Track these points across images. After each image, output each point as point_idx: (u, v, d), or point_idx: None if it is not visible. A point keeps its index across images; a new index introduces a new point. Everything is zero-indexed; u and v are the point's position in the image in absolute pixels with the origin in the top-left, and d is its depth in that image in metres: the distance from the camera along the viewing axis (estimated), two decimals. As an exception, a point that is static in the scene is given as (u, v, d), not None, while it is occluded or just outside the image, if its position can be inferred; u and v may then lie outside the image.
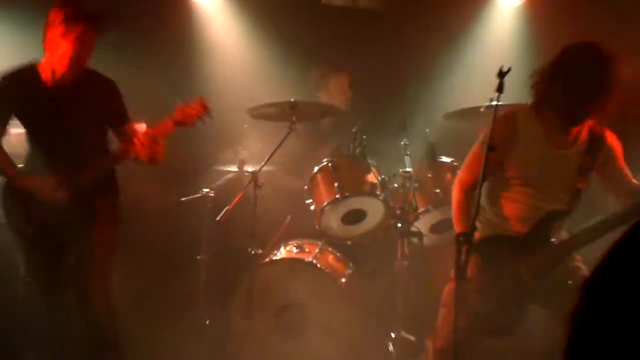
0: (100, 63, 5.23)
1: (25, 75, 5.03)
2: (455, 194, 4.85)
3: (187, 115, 5.02)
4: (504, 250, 4.70)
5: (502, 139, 4.53)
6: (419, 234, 5.87)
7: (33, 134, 5.18)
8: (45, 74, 4.96)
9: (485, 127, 4.57)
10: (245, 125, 6.66)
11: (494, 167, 4.58)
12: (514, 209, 4.75)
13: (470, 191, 4.67)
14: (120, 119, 5.23)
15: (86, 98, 5.06)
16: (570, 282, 4.58)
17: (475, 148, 4.72)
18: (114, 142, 5.35)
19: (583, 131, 4.64)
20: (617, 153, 4.71)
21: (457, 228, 4.75)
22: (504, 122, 4.63)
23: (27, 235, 5.14)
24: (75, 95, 5.04)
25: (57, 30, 4.82)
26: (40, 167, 5.15)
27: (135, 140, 5.02)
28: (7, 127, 5.15)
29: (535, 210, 4.67)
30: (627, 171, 4.71)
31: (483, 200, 4.81)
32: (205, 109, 5.10)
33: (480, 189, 4.26)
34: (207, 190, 6.32)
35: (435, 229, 6.04)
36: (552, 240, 4.69)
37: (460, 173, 4.91)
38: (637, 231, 0.96)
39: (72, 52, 4.83)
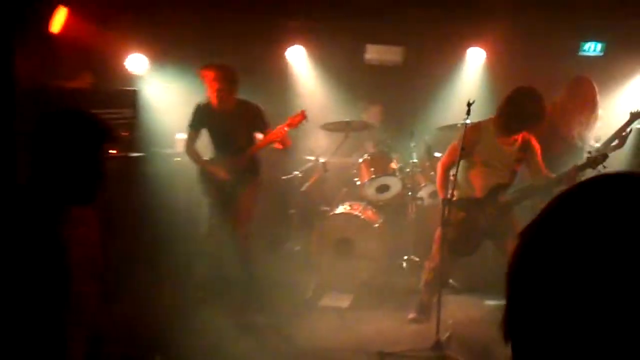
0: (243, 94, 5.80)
1: (205, 104, 5.70)
2: (438, 171, 5.50)
3: (295, 120, 5.78)
4: (471, 206, 5.38)
5: (470, 139, 5.18)
6: (421, 199, 6.69)
7: (211, 139, 5.82)
8: (213, 104, 5.65)
9: (460, 134, 5.11)
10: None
11: (464, 157, 5.17)
12: (476, 182, 5.43)
13: (447, 170, 5.36)
14: (264, 126, 5.79)
15: (239, 116, 5.66)
16: (509, 232, 5.07)
17: (453, 144, 5.34)
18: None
19: (519, 137, 5.27)
20: (537, 151, 5.30)
21: (439, 194, 5.45)
22: (472, 128, 5.21)
23: (210, 197, 5.84)
24: (231, 115, 5.64)
25: (203, 81, 5.66)
26: (216, 159, 5.84)
27: (277, 133, 5.67)
28: (199, 135, 5.78)
29: (489, 183, 5.37)
30: (541, 163, 5.28)
31: (459, 177, 5.26)
32: (304, 117, 5.83)
33: (456, 171, 5.03)
34: (297, 172, 6.86)
35: (431, 195, 6.71)
36: (499, 200, 5.33)
37: (442, 158, 5.54)
38: (572, 194, 0.78)
39: (211, 91, 5.61)
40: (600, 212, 0.74)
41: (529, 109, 5.04)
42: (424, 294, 5.83)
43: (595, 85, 5.89)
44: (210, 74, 5.54)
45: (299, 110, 5.84)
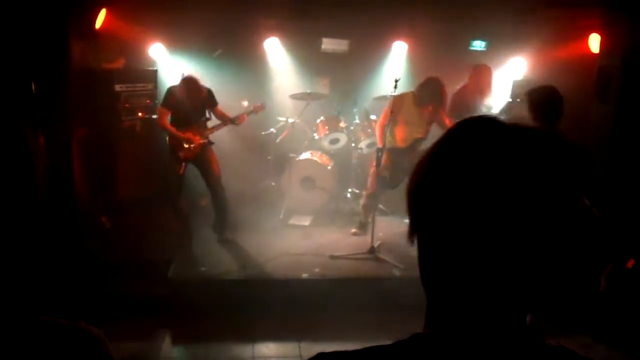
0: (211, 77, 5.62)
1: (178, 88, 5.21)
2: (377, 128, 5.51)
3: (257, 109, 5.67)
4: (396, 153, 5.43)
5: (397, 105, 5.29)
6: (361, 149, 6.57)
7: (177, 115, 5.21)
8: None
9: (389, 102, 5.27)
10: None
11: (393, 116, 5.28)
12: (399, 135, 5.49)
13: (383, 127, 5.33)
14: (215, 105, 5.37)
15: (203, 99, 5.24)
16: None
17: (385, 109, 5.35)
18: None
19: (430, 105, 5.32)
20: (442, 114, 5.36)
21: (379, 143, 5.40)
22: (397, 98, 5.31)
23: (180, 156, 5.22)
24: (197, 98, 5.19)
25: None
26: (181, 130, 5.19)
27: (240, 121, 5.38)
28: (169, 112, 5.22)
29: (410, 136, 5.46)
30: (447, 122, 5.24)
31: (387, 132, 5.39)
32: (264, 107, 5.72)
33: (387, 127, 5.23)
34: (273, 129, 6.65)
35: (369, 146, 6.45)
36: (418, 149, 5.44)
37: (379, 119, 5.56)
38: (447, 135, 0.79)
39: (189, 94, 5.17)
40: (468, 145, 0.76)
41: (435, 92, 5.26)
42: (362, 214, 5.88)
43: (491, 70, 5.95)
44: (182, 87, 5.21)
45: (260, 103, 5.78)
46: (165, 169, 5.52)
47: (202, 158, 5.32)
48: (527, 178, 0.72)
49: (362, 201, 5.93)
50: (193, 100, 5.16)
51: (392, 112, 5.20)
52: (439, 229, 0.76)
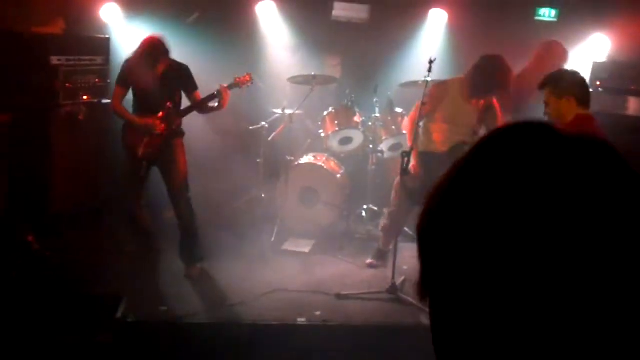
0: (183, 50, 5.61)
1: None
2: (407, 124, 5.54)
3: (241, 81, 5.50)
4: (433, 159, 5.35)
5: (434, 95, 5.29)
6: (381, 151, 6.61)
7: (139, 96, 5.27)
8: None
9: (426, 91, 5.19)
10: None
11: (428, 110, 5.30)
12: (437, 136, 5.46)
13: (414, 122, 5.27)
14: (193, 88, 5.37)
15: (171, 76, 5.26)
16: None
17: (419, 101, 5.22)
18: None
19: (483, 100, 5.34)
20: (498, 116, 5.38)
21: (408, 143, 5.33)
22: (438, 86, 5.34)
23: (137, 153, 5.22)
24: (163, 75, 5.22)
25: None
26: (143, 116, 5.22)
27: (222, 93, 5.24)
28: (127, 92, 5.28)
29: (450, 139, 5.38)
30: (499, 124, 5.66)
31: (420, 132, 5.41)
32: (250, 79, 5.57)
33: (417, 125, 5.17)
34: (264, 123, 6.73)
35: (391, 148, 6.64)
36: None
37: (410, 113, 5.56)
38: (474, 152, 0.74)
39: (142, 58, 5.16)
40: (506, 166, 0.71)
41: (497, 77, 5.12)
42: (381, 240, 5.93)
43: (566, 50, 5.94)
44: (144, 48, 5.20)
45: (244, 73, 5.61)
46: (120, 170, 5.54)
47: (166, 156, 5.34)
48: (600, 225, 0.66)
49: (382, 222, 5.94)
50: (159, 76, 5.18)
51: (424, 103, 5.17)
52: (461, 289, 0.71)
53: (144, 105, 5.25)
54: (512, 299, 0.67)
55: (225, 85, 5.37)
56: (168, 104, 5.26)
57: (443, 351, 0.76)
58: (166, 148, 5.31)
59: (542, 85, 4.18)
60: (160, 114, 5.24)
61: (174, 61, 5.26)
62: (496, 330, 0.68)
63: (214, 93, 5.31)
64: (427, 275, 0.77)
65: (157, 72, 5.16)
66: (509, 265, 0.67)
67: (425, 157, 5.47)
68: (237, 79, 5.55)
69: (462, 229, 0.71)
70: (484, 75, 5.16)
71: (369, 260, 5.93)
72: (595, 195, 0.67)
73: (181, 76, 5.32)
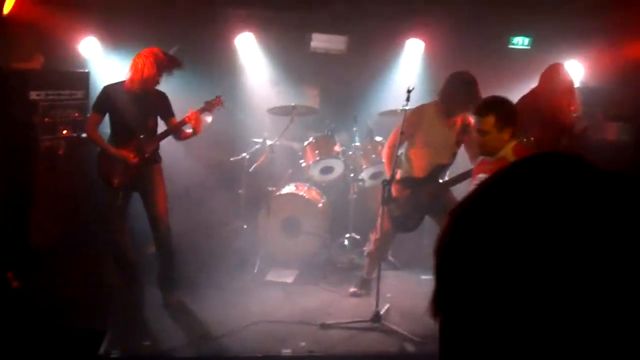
0: (171, 79, 5.47)
1: (116, 87, 5.22)
2: (385, 151, 5.52)
3: (211, 106, 5.52)
4: (413, 185, 5.39)
5: (412, 122, 5.29)
6: (362, 180, 6.69)
7: (116, 123, 5.30)
8: (127, 88, 5.17)
9: (404, 118, 5.20)
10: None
11: (406, 138, 5.30)
12: (417, 162, 5.45)
13: (393, 149, 5.26)
14: (170, 114, 5.39)
15: (151, 102, 5.30)
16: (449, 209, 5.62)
17: (396, 127, 5.34)
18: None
19: (459, 120, 5.34)
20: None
21: (387, 172, 5.38)
22: (414, 112, 5.33)
23: (114, 182, 5.26)
24: (144, 100, 5.23)
25: (139, 61, 5.18)
26: (119, 144, 5.27)
27: (188, 119, 5.26)
28: (102, 119, 5.30)
29: (430, 163, 5.38)
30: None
31: (402, 157, 5.45)
32: (220, 102, 5.57)
33: (396, 152, 5.12)
34: (245, 154, 6.73)
35: (372, 177, 6.71)
36: (439, 180, 5.40)
37: (388, 140, 5.57)
38: (503, 174, 0.74)
39: (141, 74, 5.14)
40: (528, 193, 0.71)
41: (470, 90, 5.13)
42: (365, 267, 5.90)
43: (567, 70, 5.79)
44: (152, 57, 5.20)
45: (214, 97, 5.62)
46: (99, 203, 5.52)
47: (144, 182, 5.34)
48: (627, 260, 0.65)
49: (367, 249, 5.92)
50: (137, 100, 5.17)
51: (402, 132, 5.21)
52: (479, 314, 0.71)
53: (119, 132, 5.26)
54: (530, 325, 0.67)
55: (196, 109, 5.38)
56: (143, 130, 5.27)
57: None
58: (143, 175, 5.32)
59: (485, 112, 4.01)
60: (134, 142, 5.25)
61: (153, 88, 5.26)
62: (510, 354, 0.68)
63: (183, 119, 5.33)
64: (442, 294, 0.76)
65: (141, 93, 5.15)
66: (527, 291, 0.66)
67: (407, 183, 5.49)
68: (207, 103, 5.57)
69: (482, 252, 0.70)
70: (456, 90, 5.20)
71: (352, 289, 5.90)
72: (620, 229, 0.67)
73: (159, 102, 5.34)
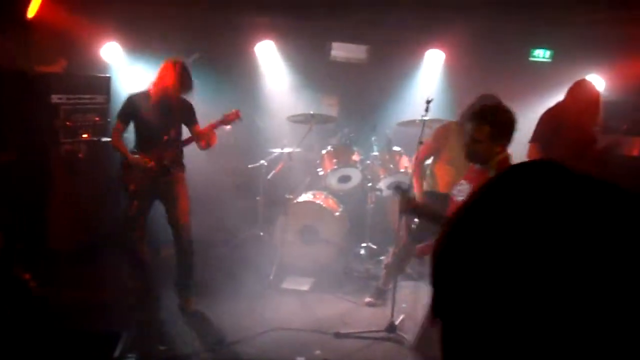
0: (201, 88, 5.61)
1: (141, 96, 5.25)
2: (414, 161, 5.55)
3: (229, 118, 5.51)
4: (435, 199, 5.34)
5: (439, 137, 5.39)
6: (380, 190, 6.70)
7: (141, 131, 5.32)
8: (152, 96, 5.21)
9: (433, 133, 5.34)
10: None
11: (432, 152, 5.41)
12: (441, 178, 5.50)
13: (420, 162, 5.43)
14: (195, 122, 5.42)
15: (176, 110, 5.31)
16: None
17: (425, 141, 5.38)
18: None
19: None
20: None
21: (415, 186, 5.42)
22: (443, 128, 5.44)
23: (136, 189, 5.27)
24: (168, 109, 5.24)
25: (167, 71, 5.21)
26: (143, 151, 5.29)
27: (200, 132, 5.33)
28: (127, 127, 5.32)
29: (453, 181, 5.09)
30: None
31: (428, 171, 5.54)
32: (238, 116, 5.56)
33: (423, 165, 5.33)
34: (263, 161, 6.79)
35: (389, 187, 6.66)
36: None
37: (417, 152, 5.47)
38: (494, 182, 0.75)
39: (166, 84, 5.16)
40: (519, 200, 0.73)
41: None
42: (382, 278, 5.88)
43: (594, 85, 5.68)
44: (177, 68, 5.22)
45: (232, 109, 5.60)
46: (119, 207, 5.54)
47: (165, 190, 5.35)
48: (613, 262, 0.67)
49: (386, 259, 5.91)
50: (162, 111, 5.19)
51: (421, 142, 5.28)
52: (475, 318, 0.73)
53: (142, 139, 5.29)
54: (523, 329, 0.68)
55: (214, 121, 5.43)
56: (164, 137, 5.28)
57: None
58: (163, 183, 5.33)
59: (482, 121, 3.90)
60: (155, 150, 5.27)
61: (179, 96, 5.29)
62: (507, 356, 0.69)
63: (202, 129, 5.38)
64: (440, 300, 0.78)
65: (164, 102, 5.17)
66: (520, 296, 0.68)
67: (430, 197, 5.50)
68: (225, 116, 5.57)
69: (477, 260, 0.72)
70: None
71: (368, 299, 5.88)
72: (604, 235, 0.68)
73: (184, 111, 5.36)
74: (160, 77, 5.20)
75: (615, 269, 0.67)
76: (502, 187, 0.76)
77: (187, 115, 5.41)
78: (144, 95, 5.25)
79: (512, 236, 0.70)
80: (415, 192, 5.46)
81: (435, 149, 5.39)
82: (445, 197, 5.12)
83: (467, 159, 4.14)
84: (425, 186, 5.51)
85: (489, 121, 3.89)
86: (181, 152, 5.46)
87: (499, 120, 3.90)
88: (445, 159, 5.48)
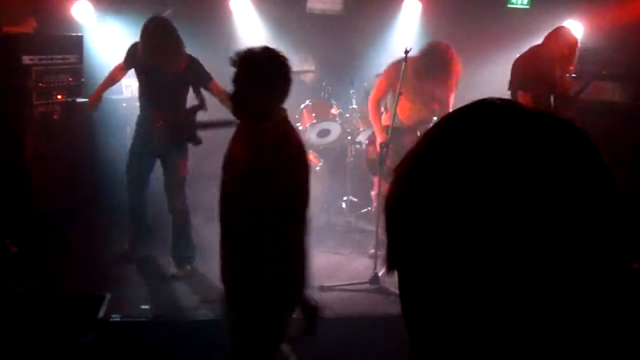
0: None
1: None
2: (369, 104, 5.64)
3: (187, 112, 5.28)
4: (400, 134, 5.43)
5: (390, 75, 5.42)
6: (359, 143, 6.65)
7: (145, 87, 5.27)
8: None
9: (385, 70, 5.42)
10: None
11: (387, 90, 5.51)
12: (402, 114, 5.52)
13: (376, 103, 5.53)
14: (208, 79, 5.19)
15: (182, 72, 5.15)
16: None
17: (379, 80, 5.56)
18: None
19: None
20: (449, 92, 5.41)
21: (374, 125, 5.57)
22: (393, 65, 5.43)
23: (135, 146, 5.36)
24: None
25: None
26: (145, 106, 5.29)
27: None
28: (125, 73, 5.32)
29: (413, 116, 5.58)
30: (449, 103, 5.43)
31: (388, 106, 5.65)
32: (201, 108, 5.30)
33: (379, 104, 5.45)
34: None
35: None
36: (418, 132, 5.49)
37: (371, 94, 5.70)
38: (441, 126, 0.74)
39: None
40: (466, 142, 0.71)
41: (439, 59, 5.25)
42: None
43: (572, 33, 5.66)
44: (144, 35, 5.06)
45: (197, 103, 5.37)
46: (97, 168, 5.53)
47: (170, 150, 5.29)
48: (561, 203, 0.66)
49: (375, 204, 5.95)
50: (164, 67, 5.00)
51: (385, 81, 5.39)
52: (430, 266, 0.71)
53: (150, 96, 5.20)
54: (477, 276, 0.67)
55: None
56: (175, 101, 5.21)
57: (412, 322, 0.76)
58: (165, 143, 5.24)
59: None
60: (155, 107, 5.19)
61: (188, 55, 5.12)
62: (461, 302, 0.69)
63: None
64: (394, 250, 0.76)
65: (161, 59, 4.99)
66: (473, 241, 0.66)
67: (395, 133, 5.43)
68: (186, 111, 5.40)
69: (428, 206, 0.70)
70: (427, 59, 5.28)
71: (371, 250, 5.72)
72: (558, 174, 0.67)
73: (186, 69, 5.16)
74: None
75: (546, 199, 0.66)
76: (448, 130, 0.74)
77: (195, 74, 5.17)
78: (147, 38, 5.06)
79: (459, 179, 0.68)
80: (377, 132, 5.56)
81: (388, 87, 5.43)
82: (408, 129, 5.49)
83: None
84: (386, 122, 5.52)
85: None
86: (188, 121, 5.26)
87: None
88: (403, 97, 5.39)
